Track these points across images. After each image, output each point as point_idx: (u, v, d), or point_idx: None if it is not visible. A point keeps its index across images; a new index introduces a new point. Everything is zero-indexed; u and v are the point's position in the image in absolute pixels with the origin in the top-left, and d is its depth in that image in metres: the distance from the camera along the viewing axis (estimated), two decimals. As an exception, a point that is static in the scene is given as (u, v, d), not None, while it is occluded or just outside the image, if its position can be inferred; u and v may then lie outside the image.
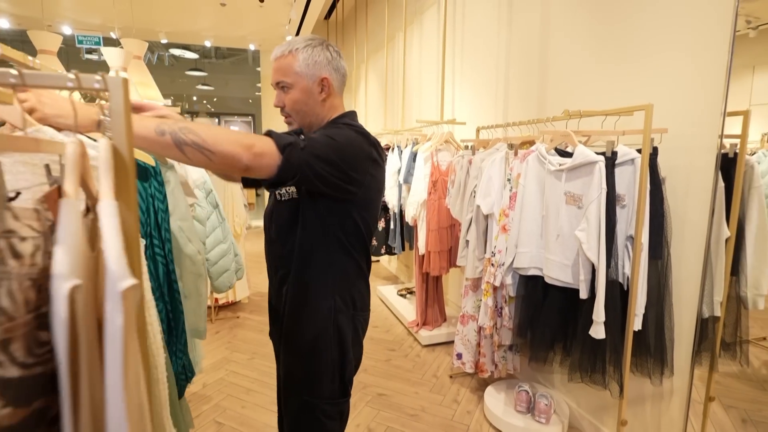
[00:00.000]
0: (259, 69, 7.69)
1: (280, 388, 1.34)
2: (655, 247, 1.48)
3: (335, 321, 1.09)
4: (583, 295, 1.54)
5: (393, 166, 3.14)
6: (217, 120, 13.84)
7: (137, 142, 0.75)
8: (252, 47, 6.86)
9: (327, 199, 1.02)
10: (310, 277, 1.07)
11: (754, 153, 1.48)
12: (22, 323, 0.34)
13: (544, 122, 1.87)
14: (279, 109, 1.10)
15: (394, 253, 3.41)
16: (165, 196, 0.93)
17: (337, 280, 1.09)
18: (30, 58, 0.69)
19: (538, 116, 1.99)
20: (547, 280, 1.69)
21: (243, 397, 2.26)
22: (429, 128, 3.20)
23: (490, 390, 2.21)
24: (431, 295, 2.97)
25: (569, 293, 1.62)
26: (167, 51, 9.03)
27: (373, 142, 1.07)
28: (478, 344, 2.21)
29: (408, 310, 3.30)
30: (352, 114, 1.15)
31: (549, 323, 1.70)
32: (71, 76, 0.47)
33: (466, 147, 2.54)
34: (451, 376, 2.49)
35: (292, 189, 1.08)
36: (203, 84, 10.85)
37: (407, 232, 3.23)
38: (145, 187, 0.95)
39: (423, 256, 2.73)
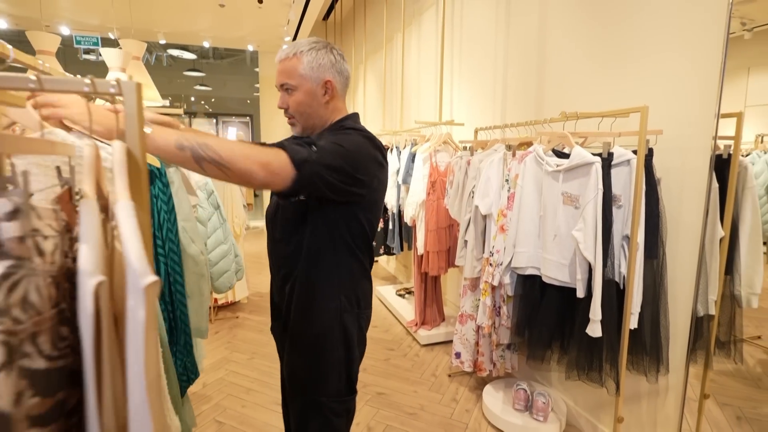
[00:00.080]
0: (257, 70, 7.70)
1: (284, 387, 1.35)
2: (650, 246, 1.50)
3: (341, 321, 1.10)
4: (580, 294, 1.56)
5: (392, 166, 3.16)
6: (215, 120, 13.82)
7: (158, 153, 0.78)
8: (250, 48, 6.87)
9: (334, 202, 1.04)
10: (317, 278, 1.09)
11: (749, 154, 1.50)
12: (48, 317, 0.36)
13: (542, 123, 1.89)
14: (282, 110, 1.11)
15: (393, 254, 3.43)
16: (170, 198, 0.95)
17: (343, 280, 1.11)
18: (39, 61, 0.70)
19: (536, 118, 2.02)
20: (544, 279, 1.71)
21: (243, 396, 2.27)
22: (427, 129, 3.22)
23: (488, 389, 2.23)
24: (430, 294, 2.99)
25: (566, 292, 1.64)
26: (165, 51, 9.02)
27: (378, 146, 1.09)
28: (477, 343, 2.23)
29: (407, 309, 3.32)
30: (355, 116, 1.17)
31: (546, 322, 1.73)
32: (87, 81, 0.48)
33: (465, 148, 2.56)
34: (449, 375, 2.51)
35: None
36: (201, 84, 10.84)
37: (406, 233, 3.25)
38: (149, 188, 0.96)
39: (422, 256, 2.75)
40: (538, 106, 2.25)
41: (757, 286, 1.54)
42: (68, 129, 0.68)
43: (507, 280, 1.88)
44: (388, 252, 3.47)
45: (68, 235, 0.50)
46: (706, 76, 1.43)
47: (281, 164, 0.88)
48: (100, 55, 3.00)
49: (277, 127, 6.87)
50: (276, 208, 1.15)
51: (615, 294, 1.54)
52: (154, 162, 0.95)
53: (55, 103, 0.72)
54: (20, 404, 0.32)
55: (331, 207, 1.04)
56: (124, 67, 3.00)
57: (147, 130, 0.75)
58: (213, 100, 13.25)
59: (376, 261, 5.10)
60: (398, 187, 3.15)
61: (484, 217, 2.06)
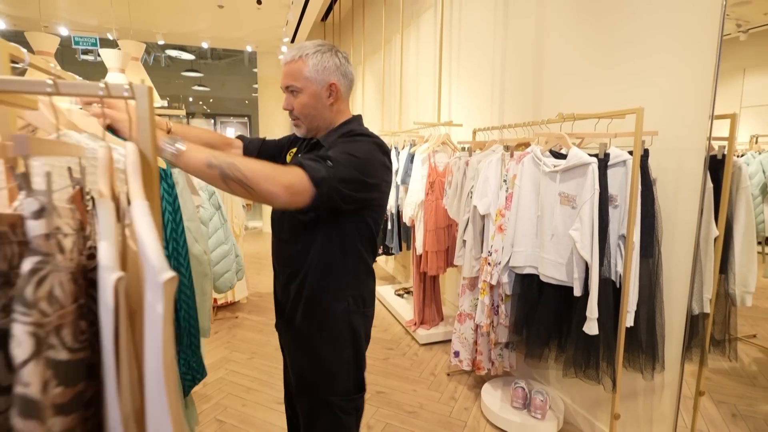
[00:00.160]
0: (255, 70, 7.71)
1: (288, 386, 1.36)
2: (646, 246, 1.52)
3: (349, 321, 1.13)
4: (577, 292, 1.58)
5: (390, 167, 3.17)
6: (213, 121, 13.82)
7: (188, 169, 0.83)
8: (249, 48, 6.88)
9: (346, 211, 1.05)
10: (327, 282, 1.10)
11: (744, 154, 1.52)
12: (70, 311, 0.38)
13: (539, 124, 1.91)
14: (287, 111, 1.13)
15: (392, 254, 3.44)
16: (175, 198, 0.97)
17: (351, 281, 1.13)
18: (51, 64, 0.72)
19: (533, 119, 2.04)
20: (542, 278, 1.73)
21: (243, 395, 2.28)
22: (426, 130, 3.24)
23: (486, 387, 2.25)
24: (428, 294, 3.01)
25: (564, 291, 1.66)
26: (163, 52, 9.02)
27: (386, 150, 1.11)
28: (475, 342, 2.25)
29: (406, 309, 3.34)
30: (359, 119, 1.19)
31: (544, 321, 1.75)
32: (101, 85, 0.50)
33: (463, 149, 2.58)
34: (448, 374, 2.52)
35: None
36: (199, 85, 10.85)
37: (404, 233, 3.26)
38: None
39: (420, 256, 2.77)
40: (536, 108, 2.27)
41: (751, 285, 1.56)
42: (80, 130, 0.70)
43: (505, 279, 1.90)
44: (387, 252, 3.49)
45: (82, 233, 0.52)
46: (700, 77, 1.46)
47: (302, 185, 0.91)
48: (99, 55, 3.00)
49: (275, 128, 6.88)
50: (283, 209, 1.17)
51: (611, 292, 1.56)
52: (161, 163, 0.97)
53: (112, 105, 0.78)
54: (47, 392, 0.34)
55: (344, 215, 1.06)
56: (123, 68, 3.01)
57: (182, 147, 0.81)
58: (211, 100, 13.26)
59: (375, 261, 5.11)
60: (397, 187, 3.16)
61: (483, 217, 2.08)
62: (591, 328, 1.52)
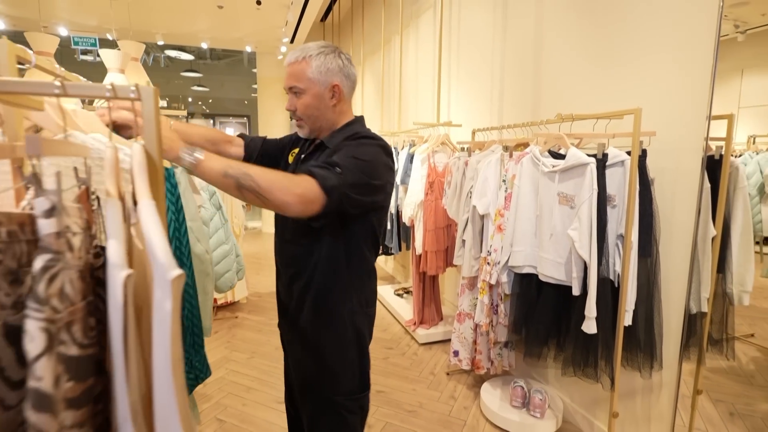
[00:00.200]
0: (254, 70, 7.71)
1: (290, 384, 1.36)
2: (644, 245, 1.53)
3: (354, 323, 1.14)
4: (576, 291, 1.59)
5: (390, 167, 3.17)
6: (212, 121, 13.82)
7: (205, 177, 0.86)
8: (248, 49, 6.88)
9: (353, 215, 1.07)
10: (331, 281, 1.11)
11: (741, 155, 1.53)
12: (79, 308, 0.39)
13: (538, 125, 1.92)
14: (290, 112, 1.14)
15: (391, 254, 3.45)
16: (178, 198, 0.97)
17: (355, 282, 1.14)
18: (56, 65, 0.73)
19: (532, 119, 2.05)
20: (541, 277, 1.74)
21: (243, 395, 2.29)
22: (425, 130, 3.25)
23: (486, 386, 2.26)
24: (428, 294, 3.02)
25: (562, 290, 1.67)
26: (162, 52, 9.02)
27: (390, 152, 1.13)
28: (474, 341, 2.26)
29: (405, 309, 3.35)
30: (362, 120, 1.20)
31: (543, 320, 1.76)
32: (108, 86, 0.51)
33: (462, 149, 2.59)
34: (447, 374, 2.53)
35: None
36: (198, 85, 10.85)
37: (404, 233, 3.27)
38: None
39: (420, 255, 2.78)
40: (535, 108, 2.28)
41: (749, 284, 1.57)
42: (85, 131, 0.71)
43: (504, 278, 1.91)
44: (387, 252, 3.50)
45: (88, 232, 0.53)
46: (697, 78, 1.47)
47: (314, 194, 0.93)
48: (98, 56, 3.01)
49: (274, 128, 6.89)
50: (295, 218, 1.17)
51: (610, 292, 1.57)
52: (165, 163, 0.98)
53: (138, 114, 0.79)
54: (59, 387, 0.35)
55: (350, 217, 1.07)
56: (123, 69, 3.02)
57: (200, 156, 0.83)
58: (210, 100, 13.26)
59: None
60: (396, 187, 3.17)
61: (482, 216, 2.09)
62: (589, 326, 1.53)
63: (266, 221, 7.06)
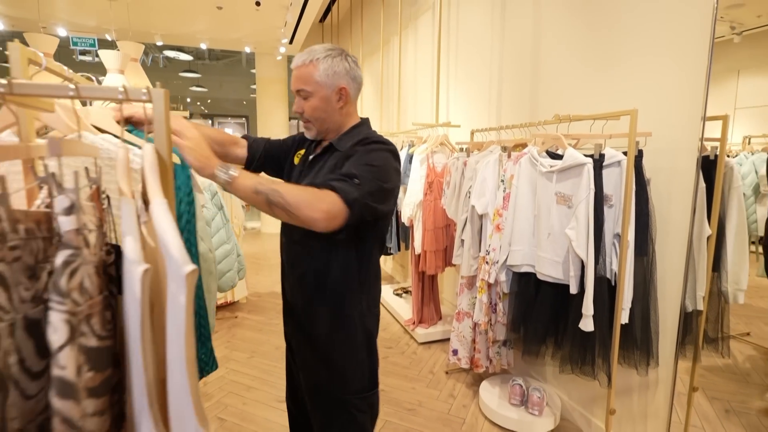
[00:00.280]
0: (253, 71, 7.72)
1: (291, 383, 1.37)
2: (640, 244, 1.55)
3: (363, 324, 1.15)
4: (573, 290, 1.61)
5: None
6: (210, 121, 13.82)
7: (237, 193, 0.90)
8: (247, 50, 6.89)
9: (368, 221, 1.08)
10: (343, 286, 1.12)
11: (737, 155, 1.55)
12: (97, 302, 0.41)
13: (536, 125, 1.94)
14: (298, 114, 1.15)
15: (390, 254, 3.47)
16: (191, 190, 0.99)
17: (364, 285, 1.15)
18: (64, 67, 0.75)
19: (530, 120, 2.07)
20: (539, 276, 1.76)
21: (244, 394, 2.31)
22: (424, 131, 3.27)
23: (485, 384, 2.27)
24: (427, 293, 3.04)
25: (560, 289, 1.69)
26: (161, 53, 9.02)
27: (398, 156, 1.15)
28: (473, 340, 2.28)
29: (404, 308, 3.36)
30: (368, 122, 1.22)
31: (541, 318, 1.77)
32: (121, 89, 0.53)
33: (461, 149, 2.61)
34: (447, 372, 2.55)
35: None
36: (197, 86, 10.85)
37: (403, 233, 3.29)
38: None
39: (419, 255, 2.80)
40: (533, 109, 2.30)
41: (743, 283, 1.59)
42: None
43: (503, 277, 1.93)
44: (386, 252, 3.52)
45: (101, 230, 0.55)
46: (693, 79, 1.48)
47: (338, 209, 0.95)
48: (97, 56, 3.02)
49: (273, 128, 6.90)
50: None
51: (606, 290, 1.59)
52: (176, 159, 0.98)
53: (178, 133, 0.86)
54: (80, 376, 0.37)
55: (364, 225, 1.07)
56: (122, 69, 3.03)
57: (234, 173, 0.88)
58: (209, 101, 13.26)
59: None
60: (396, 187, 3.18)
61: (481, 216, 2.11)
62: (587, 324, 1.55)
63: (265, 221, 7.06)
